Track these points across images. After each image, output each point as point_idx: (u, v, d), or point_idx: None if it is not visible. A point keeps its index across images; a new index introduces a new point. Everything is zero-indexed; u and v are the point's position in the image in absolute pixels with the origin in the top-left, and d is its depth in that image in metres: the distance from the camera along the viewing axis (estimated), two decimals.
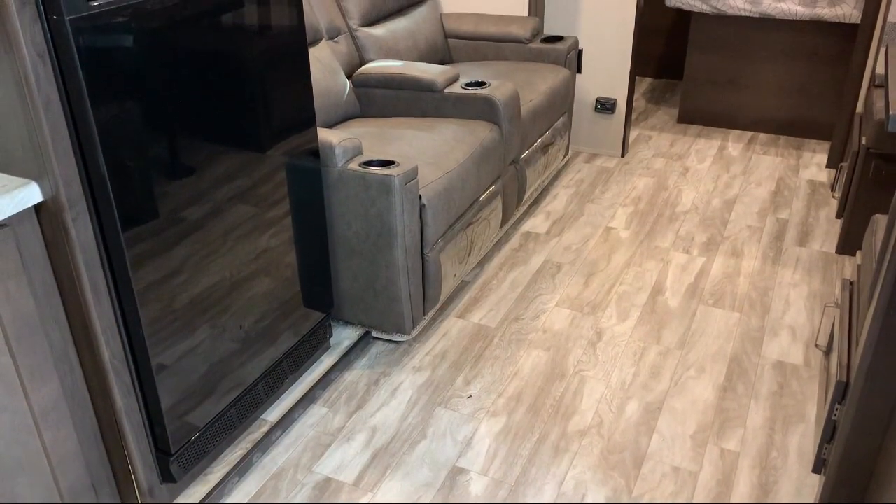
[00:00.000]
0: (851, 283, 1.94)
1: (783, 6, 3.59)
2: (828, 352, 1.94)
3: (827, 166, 3.52)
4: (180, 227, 1.58)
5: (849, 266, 2.75)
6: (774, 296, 2.58)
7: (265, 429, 1.97)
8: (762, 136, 3.90)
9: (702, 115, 4.01)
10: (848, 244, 2.78)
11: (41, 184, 1.32)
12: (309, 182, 2.01)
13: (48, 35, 1.24)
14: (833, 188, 3.24)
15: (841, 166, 3.04)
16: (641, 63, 4.76)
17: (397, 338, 2.34)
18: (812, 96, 3.76)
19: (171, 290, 1.58)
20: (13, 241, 1.31)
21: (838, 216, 3.02)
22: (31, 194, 1.30)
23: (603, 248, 2.89)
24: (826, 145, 3.76)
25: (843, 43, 3.60)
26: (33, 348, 1.38)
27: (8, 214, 1.27)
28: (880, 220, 1.86)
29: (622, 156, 3.68)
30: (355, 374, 2.25)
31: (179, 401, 1.68)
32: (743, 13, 3.67)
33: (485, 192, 2.60)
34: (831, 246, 2.87)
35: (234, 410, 1.88)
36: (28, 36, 1.20)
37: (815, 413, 2.06)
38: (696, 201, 3.23)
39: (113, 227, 1.42)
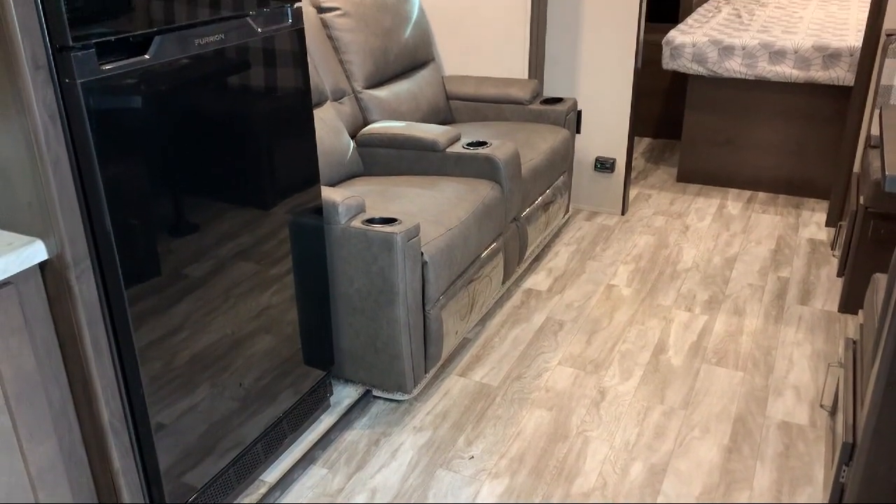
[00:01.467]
0: (854, 343, 1.94)
1: (778, 69, 3.67)
2: (833, 412, 1.92)
3: (826, 225, 3.54)
4: (183, 285, 1.59)
5: (851, 325, 2.74)
6: (778, 355, 2.56)
7: (263, 490, 1.94)
8: (761, 194, 3.94)
9: (701, 174, 4.06)
10: (850, 303, 2.77)
11: (47, 242, 1.33)
12: (312, 239, 2.02)
13: (59, 97, 1.27)
14: (833, 247, 3.26)
15: (840, 225, 3.06)
16: (640, 123, 4.84)
17: (398, 396, 2.32)
18: (809, 156, 3.81)
19: (172, 347, 1.58)
20: (16, 299, 1.31)
21: (839, 275, 3.03)
22: (36, 252, 1.31)
23: (605, 306, 2.89)
24: (825, 204, 3.79)
25: (838, 104, 3.66)
26: (32, 407, 1.37)
27: (13, 272, 1.28)
28: (880, 280, 1.87)
29: (622, 214, 3.70)
30: (355, 434, 2.22)
31: (178, 461, 1.65)
32: (739, 75, 3.75)
33: (486, 249, 2.61)
34: (833, 305, 2.86)
35: (233, 471, 1.85)
36: (40, 98, 1.23)
37: (823, 475, 2.02)
38: (696, 259, 3.25)
39: (116, 284, 1.42)
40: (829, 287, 2.99)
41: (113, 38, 1.32)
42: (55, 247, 1.33)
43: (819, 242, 3.38)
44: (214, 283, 1.68)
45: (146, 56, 1.39)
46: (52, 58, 1.24)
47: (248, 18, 1.66)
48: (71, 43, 1.24)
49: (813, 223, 3.58)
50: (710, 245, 3.37)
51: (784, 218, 3.65)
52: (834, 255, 3.23)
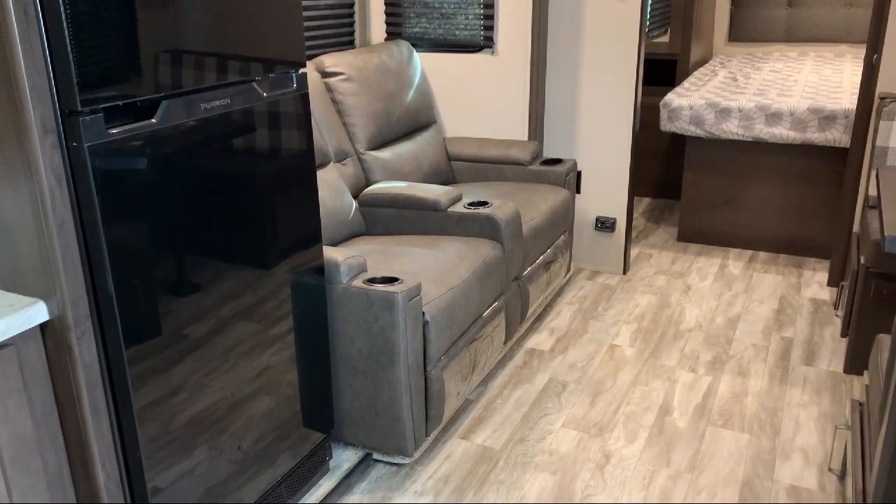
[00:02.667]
0: (861, 405, 1.91)
1: (774, 131, 3.72)
2: (842, 476, 1.88)
3: (828, 285, 3.53)
4: (183, 345, 1.58)
5: (857, 386, 2.71)
6: (784, 416, 2.53)
7: None
8: (762, 254, 3.95)
9: (701, 234, 4.08)
10: (855, 363, 2.75)
11: (48, 303, 1.33)
12: (313, 299, 2.02)
13: (67, 160, 1.29)
14: (836, 306, 3.25)
15: (842, 285, 3.06)
16: (639, 183, 4.89)
17: (399, 460, 2.28)
18: (809, 216, 3.83)
19: (170, 409, 1.56)
20: (16, 360, 1.30)
21: (843, 335, 3.01)
22: (37, 313, 1.32)
23: (608, 367, 2.86)
24: (826, 264, 3.80)
25: (836, 165, 3.71)
26: (27, 470, 1.35)
27: (13, 333, 1.28)
28: (884, 340, 1.85)
29: (624, 273, 3.71)
30: (355, 499, 2.17)
31: None
32: (736, 137, 3.81)
33: (488, 308, 2.61)
34: (838, 365, 2.84)
35: None
36: (48, 162, 1.25)
37: None
38: (699, 319, 3.23)
39: (116, 345, 1.42)
40: (833, 347, 2.97)
41: (121, 102, 1.35)
42: (57, 308, 1.33)
43: (822, 302, 3.37)
44: (215, 343, 1.67)
45: (153, 120, 1.42)
46: (60, 122, 1.27)
47: (254, 83, 1.70)
48: (80, 108, 1.27)
49: (815, 283, 3.58)
50: (713, 305, 3.37)
51: (786, 278, 3.65)
52: (837, 315, 3.21)
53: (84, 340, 1.37)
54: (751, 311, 3.30)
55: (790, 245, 3.91)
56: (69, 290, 1.32)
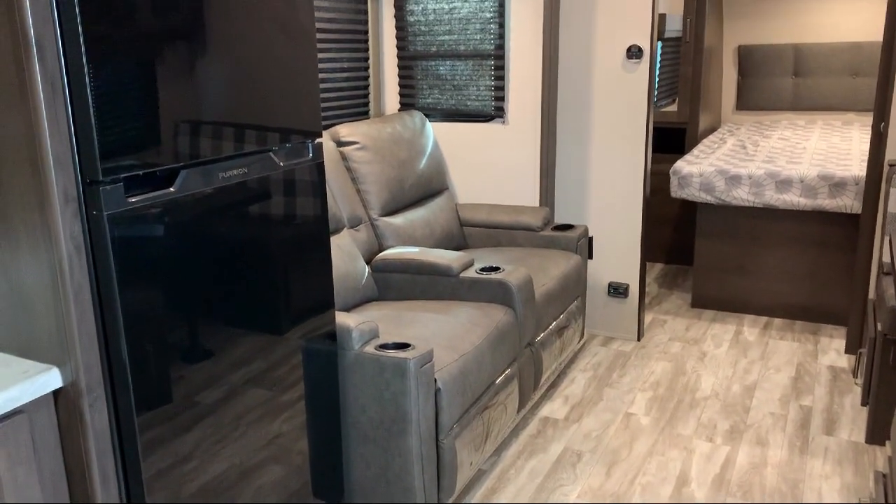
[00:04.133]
0: (884, 476, 1.86)
1: (785, 197, 3.74)
2: None
3: (846, 352, 3.48)
4: (194, 412, 1.57)
5: (880, 456, 2.64)
6: (806, 488, 2.46)
7: None
8: (777, 321, 3.91)
9: (715, 300, 4.05)
10: (877, 433, 2.68)
11: (62, 369, 1.33)
12: (324, 365, 2.02)
13: (86, 228, 1.31)
14: (855, 374, 3.19)
15: (860, 352, 3.01)
16: (651, 249, 4.90)
17: None
18: (823, 282, 3.81)
19: (180, 477, 1.54)
20: (27, 428, 1.30)
21: (863, 404, 2.95)
22: (51, 380, 1.32)
23: (624, 436, 2.81)
24: (843, 331, 3.75)
25: (848, 231, 3.70)
26: None
27: (26, 400, 1.28)
28: None
29: (638, 340, 3.68)
30: None
31: None
32: (747, 204, 3.82)
33: (501, 375, 2.58)
34: (860, 435, 2.77)
35: None
36: (68, 230, 1.28)
37: None
38: (715, 387, 3.18)
39: (128, 412, 1.41)
40: (853, 416, 2.91)
41: (141, 172, 1.38)
42: (70, 374, 1.33)
43: (840, 370, 3.32)
44: (226, 410, 1.66)
45: (171, 189, 1.45)
46: (82, 191, 1.30)
47: (271, 153, 1.74)
48: (101, 177, 1.30)
49: (832, 350, 3.53)
50: (729, 372, 3.32)
51: (802, 345, 3.60)
52: (856, 384, 3.16)
53: (96, 408, 1.36)
54: (768, 378, 3.25)
55: (805, 311, 3.87)
56: (83, 356, 1.33)
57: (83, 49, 1.26)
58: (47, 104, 1.25)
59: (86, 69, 1.27)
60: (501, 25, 3.35)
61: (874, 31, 5.15)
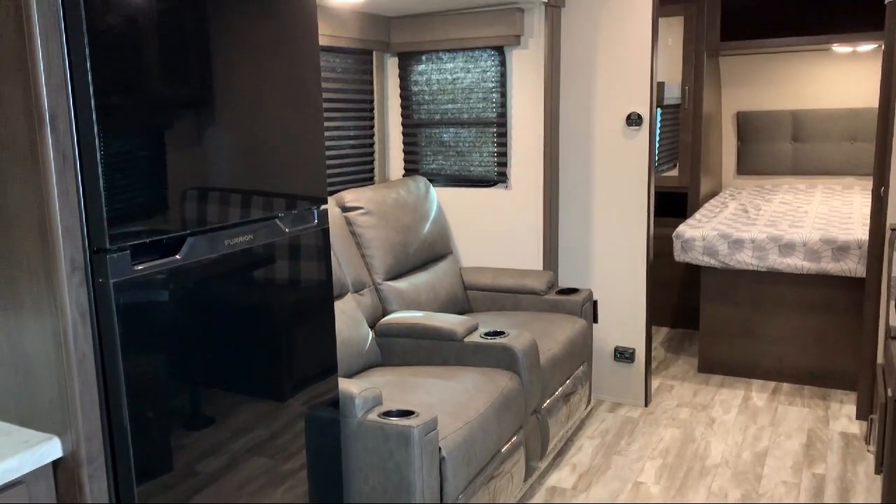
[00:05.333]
0: None
1: (789, 261, 3.74)
2: None
3: (857, 418, 3.43)
4: (194, 481, 1.55)
5: None
6: None
7: None
8: (786, 385, 3.86)
9: (722, 364, 4.01)
10: (893, 502, 2.61)
11: (63, 439, 1.32)
12: (327, 433, 1.99)
13: (91, 296, 1.32)
14: (867, 441, 3.13)
15: (871, 418, 2.96)
16: (657, 313, 4.88)
17: None
18: (830, 346, 3.77)
19: None
20: (26, 499, 1.28)
21: (877, 472, 2.88)
22: (51, 450, 1.30)
23: None
24: (853, 396, 3.70)
25: (853, 295, 3.69)
26: None
27: (26, 471, 1.26)
28: None
29: (646, 405, 3.63)
30: None
31: None
32: (751, 267, 3.82)
33: (507, 443, 2.54)
34: None
35: None
36: (73, 298, 1.29)
37: None
38: (725, 454, 3.12)
39: (128, 482, 1.39)
40: (868, 485, 2.84)
41: (148, 240, 1.40)
42: (71, 444, 1.32)
43: (852, 436, 3.26)
44: (226, 480, 1.63)
45: (177, 256, 1.47)
46: (89, 259, 1.31)
47: (276, 220, 1.76)
48: (108, 246, 1.31)
49: (843, 416, 3.47)
50: (738, 439, 3.26)
51: (812, 410, 3.54)
52: (869, 451, 3.09)
53: (96, 478, 1.34)
54: (778, 445, 3.19)
55: (814, 376, 3.82)
56: (85, 425, 1.32)
57: (95, 120, 1.29)
58: (58, 174, 1.27)
59: (97, 140, 1.30)
60: (503, 95, 3.43)
61: (870, 98, 5.25)
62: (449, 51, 3.48)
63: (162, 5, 1.42)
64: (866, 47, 4.99)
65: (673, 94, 4.76)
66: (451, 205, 3.62)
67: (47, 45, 1.25)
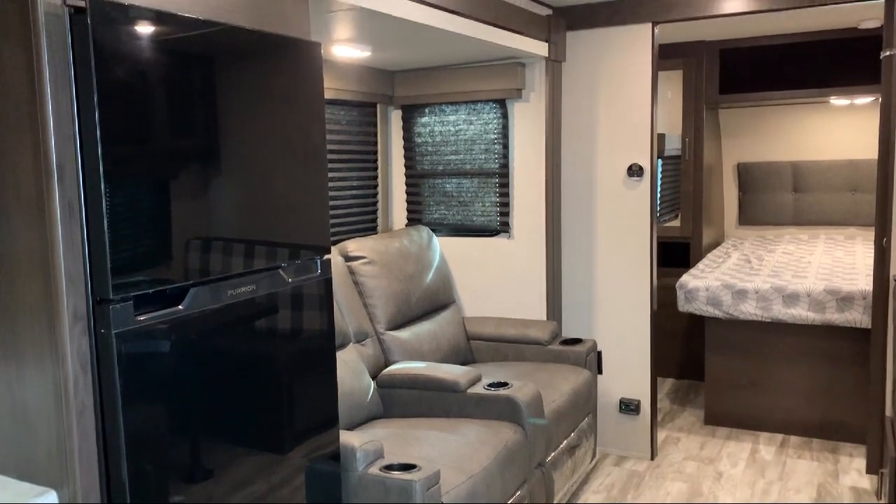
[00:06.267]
0: None
1: (793, 311, 3.72)
2: None
3: (867, 472, 3.36)
4: None
5: None
6: None
7: None
8: (794, 438, 3.80)
9: (728, 416, 3.96)
10: None
11: (60, 492, 1.30)
12: (327, 487, 1.95)
13: (93, 347, 1.31)
14: (878, 496, 3.07)
15: (882, 472, 2.91)
16: (662, 364, 4.83)
17: None
18: (838, 398, 3.73)
19: None
20: None
21: None
22: None
23: None
24: (862, 449, 3.63)
25: (860, 346, 3.66)
26: None
27: None
28: None
29: (651, 458, 3.56)
30: None
31: None
32: (755, 318, 3.80)
33: (511, 497, 2.49)
34: None
35: None
36: (75, 348, 1.28)
37: None
38: None
39: None
40: None
41: (151, 290, 1.40)
42: (68, 497, 1.29)
43: (863, 491, 3.19)
44: None
45: (180, 307, 1.46)
46: (91, 309, 1.31)
47: (279, 270, 1.76)
48: (111, 296, 1.31)
49: (853, 470, 3.41)
50: (747, 493, 3.19)
51: (821, 464, 3.48)
52: None
53: None
54: (788, 500, 3.12)
55: (822, 429, 3.77)
56: (83, 479, 1.29)
57: (101, 171, 1.30)
58: (63, 224, 1.28)
59: (103, 190, 1.31)
60: (505, 146, 3.47)
61: (869, 149, 5.30)
62: (451, 103, 3.54)
63: (170, 60, 1.45)
64: (863, 100, 5.06)
65: (674, 145, 4.81)
66: (454, 254, 3.62)
67: (57, 97, 1.27)
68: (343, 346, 2.76)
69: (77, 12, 1.28)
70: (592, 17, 3.44)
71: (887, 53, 3.06)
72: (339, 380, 2.57)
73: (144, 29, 1.38)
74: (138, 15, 1.37)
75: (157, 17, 1.41)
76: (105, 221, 1.31)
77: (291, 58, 1.77)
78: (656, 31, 3.39)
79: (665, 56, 4.65)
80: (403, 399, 2.78)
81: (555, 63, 3.43)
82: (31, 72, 1.26)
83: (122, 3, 1.35)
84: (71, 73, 1.29)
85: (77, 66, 1.29)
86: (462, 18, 2.66)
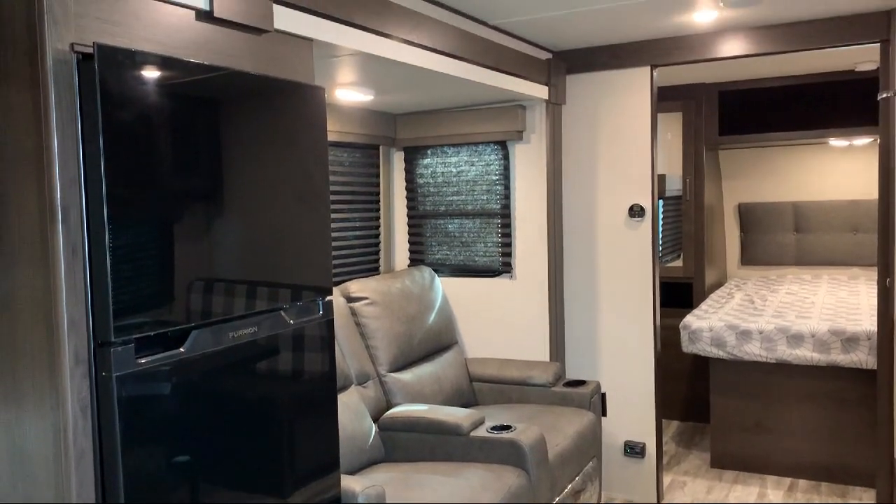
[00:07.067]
0: None
1: (798, 352, 3.69)
2: None
3: None
4: None
5: None
6: None
7: None
8: (802, 482, 3.74)
9: (735, 459, 3.90)
10: None
11: None
12: None
13: (93, 390, 1.30)
14: None
15: None
16: (666, 406, 4.77)
17: None
18: (846, 441, 3.67)
19: None
20: None
21: None
22: None
23: None
24: (872, 493, 3.57)
25: (866, 387, 3.62)
26: None
27: None
28: None
29: (658, 503, 3.50)
30: None
31: None
32: (760, 359, 3.77)
33: None
34: None
35: None
36: (76, 392, 1.27)
37: None
38: None
39: None
40: None
41: (152, 332, 1.39)
42: None
43: None
44: None
45: (181, 349, 1.45)
46: (93, 352, 1.30)
47: (281, 312, 1.75)
48: (113, 339, 1.30)
49: None
50: None
51: None
52: None
53: None
54: None
55: (830, 472, 3.70)
56: None
57: (106, 213, 1.31)
58: (67, 266, 1.28)
59: (106, 233, 1.31)
60: (507, 187, 3.49)
61: (869, 190, 5.32)
62: (453, 145, 3.57)
63: (175, 104, 1.47)
64: (862, 141, 5.10)
65: (674, 185, 4.84)
66: (456, 295, 3.61)
67: (63, 141, 1.28)
68: (344, 388, 2.73)
69: (85, 58, 1.30)
70: (592, 60, 3.49)
71: (884, 95, 3.09)
72: (340, 423, 2.54)
73: (150, 74, 1.40)
74: (144, 60, 1.39)
75: (163, 62, 1.43)
76: (108, 264, 1.31)
77: (295, 101, 1.79)
78: (655, 73, 3.44)
79: (664, 98, 4.70)
80: (405, 442, 2.75)
81: (555, 105, 3.47)
82: (37, 115, 1.28)
83: (129, 50, 1.37)
84: (77, 116, 1.30)
85: (83, 110, 1.31)
86: (464, 63, 2.70)
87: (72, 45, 1.29)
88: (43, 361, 1.28)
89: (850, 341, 3.60)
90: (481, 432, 2.68)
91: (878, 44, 3.09)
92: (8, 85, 1.31)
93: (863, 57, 3.85)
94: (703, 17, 2.99)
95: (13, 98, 1.30)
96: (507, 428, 2.68)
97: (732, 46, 3.26)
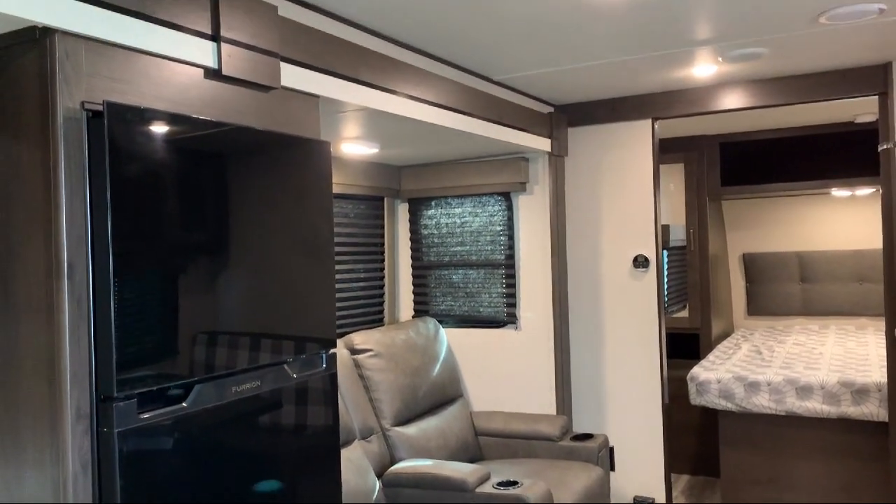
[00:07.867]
0: None
1: (807, 405, 3.64)
2: None
3: None
4: None
5: None
6: None
7: None
8: None
9: None
10: None
11: None
12: None
13: (95, 446, 1.29)
14: None
15: None
16: (675, 460, 4.68)
17: None
18: (858, 495, 3.58)
19: None
20: None
21: None
22: None
23: None
24: None
25: (879, 440, 3.55)
26: None
27: None
28: None
29: None
30: None
31: None
32: (769, 411, 3.71)
33: None
34: None
35: None
36: (76, 447, 1.25)
37: None
38: None
39: None
40: None
41: (155, 387, 1.38)
42: None
43: None
44: None
45: (184, 404, 1.44)
46: (95, 408, 1.29)
47: (284, 365, 1.74)
48: (115, 394, 1.29)
49: None
50: None
51: None
52: None
53: None
54: None
55: None
56: None
57: (111, 269, 1.31)
58: (71, 321, 1.28)
59: (111, 287, 1.31)
60: (511, 237, 3.50)
61: (873, 240, 5.32)
62: (457, 196, 3.59)
63: (182, 159, 1.49)
64: (864, 191, 5.12)
65: (678, 235, 4.85)
66: (461, 345, 3.59)
67: (71, 197, 1.30)
68: (348, 442, 2.70)
69: (95, 115, 1.33)
70: (593, 113, 3.54)
71: (884, 147, 3.12)
72: (343, 479, 2.50)
73: (158, 130, 1.42)
74: (153, 117, 1.42)
75: (171, 119, 1.46)
76: (112, 319, 1.31)
77: (301, 156, 1.82)
78: (656, 126, 3.48)
79: (666, 150, 4.74)
80: (410, 498, 2.69)
81: (557, 157, 3.51)
82: (46, 171, 1.29)
83: (138, 107, 1.40)
84: (86, 173, 1.32)
85: (92, 166, 1.32)
86: (467, 117, 2.74)
87: (82, 102, 1.32)
88: (44, 418, 1.27)
89: (860, 393, 3.55)
90: (487, 488, 2.63)
91: (877, 96, 3.13)
92: (19, 141, 1.33)
93: (862, 109, 3.90)
94: (702, 71, 3.04)
95: (23, 154, 1.32)
96: (513, 483, 2.63)
97: (732, 99, 3.30)
